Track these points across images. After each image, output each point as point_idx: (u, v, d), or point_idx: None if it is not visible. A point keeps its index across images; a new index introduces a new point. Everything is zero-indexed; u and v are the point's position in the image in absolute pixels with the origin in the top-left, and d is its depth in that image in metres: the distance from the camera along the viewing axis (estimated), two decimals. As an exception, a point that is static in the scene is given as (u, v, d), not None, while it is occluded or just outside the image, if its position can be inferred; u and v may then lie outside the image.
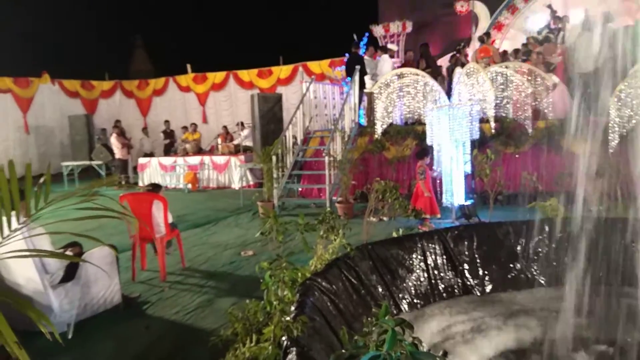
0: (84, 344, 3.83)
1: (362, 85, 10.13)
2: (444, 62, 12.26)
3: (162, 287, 5.06)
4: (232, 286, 5.04)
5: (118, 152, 13.81)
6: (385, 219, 6.22)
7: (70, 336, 3.93)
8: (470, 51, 11.79)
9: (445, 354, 1.27)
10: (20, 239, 2.85)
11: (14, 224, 1.78)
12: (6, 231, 1.78)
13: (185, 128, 14.87)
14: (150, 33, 22.49)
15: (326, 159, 8.55)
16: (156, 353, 3.69)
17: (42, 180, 1.61)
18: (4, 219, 1.64)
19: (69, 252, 4.27)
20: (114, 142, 13.84)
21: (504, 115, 8.18)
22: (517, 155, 8.45)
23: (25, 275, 3.90)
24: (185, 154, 13.51)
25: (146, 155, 14.65)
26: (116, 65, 20.37)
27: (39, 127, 16.86)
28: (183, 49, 19.40)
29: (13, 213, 1.80)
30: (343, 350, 1.30)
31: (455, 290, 3.95)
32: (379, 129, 8.39)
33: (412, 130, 8.93)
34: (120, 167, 13.77)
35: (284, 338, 2.25)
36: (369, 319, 1.38)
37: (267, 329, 2.55)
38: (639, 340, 2.61)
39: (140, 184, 13.29)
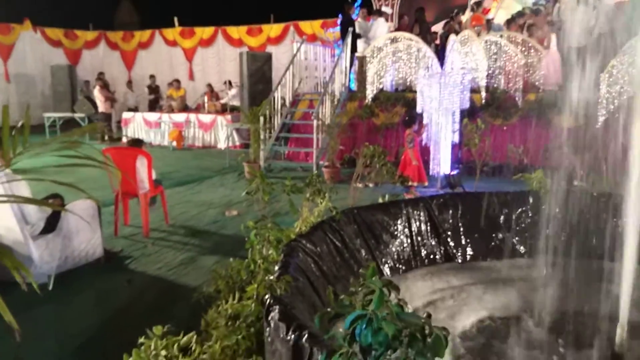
0: (64, 296, 3.83)
1: (354, 48, 9.94)
2: (437, 28, 12.06)
3: (145, 243, 5.05)
4: (215, 245, 5.05)
5: (101, 106, 13.47)
6: (371, 185, 6.22)
7: (50, 287, 3.92)
8: (464, 19, 11.59)
9: (429, 315, 1.27)
10: (-1, 188, 2.77)
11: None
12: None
13: (170, 84, 14.55)
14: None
15: (315, 122, 8.47)
16: (137, 307, 3.70)
17: (20, 124, 1.54)
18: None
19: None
20: (97, 94, 13.49)
21: (495, 85, 8.13)
22: (504, 127, 8.46)
23: (5, 225, 3.84)
24: (171, 110, 13.25)
25: (130, 110, 14.34)
26: (101, 15, 19.59)
27: (19, 76, 16.33)
28: (170, 1, 18.71)
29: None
30: (329, 309, 1.30)
31: (437, 258, 4.00)
32: (369, 94, 8.29)
33: (402, 97, 8.85)
34: (103, 121, 13.45)
35: (267, 296, 2.26)
36: (357, 279, 1.37)
37: (251, 287, 2.56)
38: (613, 313, 2.69)
39: (124, 139, 13.06)
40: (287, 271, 2.56)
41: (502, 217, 4.21)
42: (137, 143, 5.81)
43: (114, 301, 3.77)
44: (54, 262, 4.02)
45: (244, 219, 5.76)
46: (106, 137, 13.04)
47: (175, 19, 17.36)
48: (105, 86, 13.81)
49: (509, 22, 10.14)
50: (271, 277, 2.40)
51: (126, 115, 13.63)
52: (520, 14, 10.53)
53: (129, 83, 16.10)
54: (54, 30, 17.35)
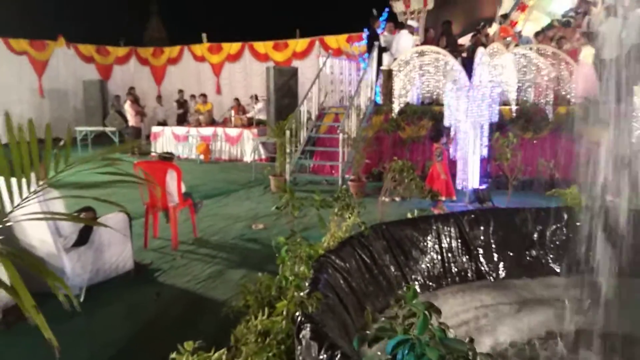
0: (95, 308, 3.87)
1: (379, 62, 9.94)
2: (464, 41, 11.98)
3: (174, 255, 5.08)
4: (242, 258, 5.05)
5: (131, 120, 13.79)
6: (397, 199, 6.16)
7: (82, 300, 3.97)
8: (491, 31, 11.49)
9: (471, 340, 1.22)
10: (35, 202, 2.84)
11: (31, 187, 1.75)
12: (24, 193, 1.76)
13: (193, 96, 14.79)
14: (166, 0, 22.23)
15: (340, 135, 8.46)
16: (166, 320, 3.71)
17: (62, 142, 1.57)
18: (24, 180, 1.60)
19: (82, 217, 4.28)
20: (128, 109, 13.82)
21: (524, 99, 7.99)
22: (535, 141, 8.29)
23: (39, 238, 3.92)
24: (198, 124, 13.47)
25: (159, 124, 14.63)
26: (132, 31, 20.23)
27: (53, 91, 16.87)
28: (199, 18, 19.19)
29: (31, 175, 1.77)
30: (367, 332, 1.26)
31: (469, 275, 3.91)
32: (396, 107, 8.25)
33: (429, 110, 8.78)
34: (134, 135, 13.77)
35: (297, 313, 2.23)
36: (387, 297, 1.33)
37: (281, 303, 2.53)
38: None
39: (153, 152, 13.30)
40: (317, 288, 2.53)
41: (535, 234, 4.10)
42: (168, 157, 5.89)
43: (143, 314, 3.79)
44: (85, 275, 4.08)
45: (271, 233, 5.79)
46: (136, 151, 13.33)
47: (204, 35, 17.72)
48: (135, 101, 14.15)
49: (537, 35, 10.02)
50: (302, 294, 2.37)
51: (155, 129, 13.90)
52: (549, 26, 10.39)
53: (159, 97, 16.46)
54: (86, 47, 17.91)
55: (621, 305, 2.99)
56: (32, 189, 1.76)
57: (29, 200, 1.77)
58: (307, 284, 2.52)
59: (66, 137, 1.53)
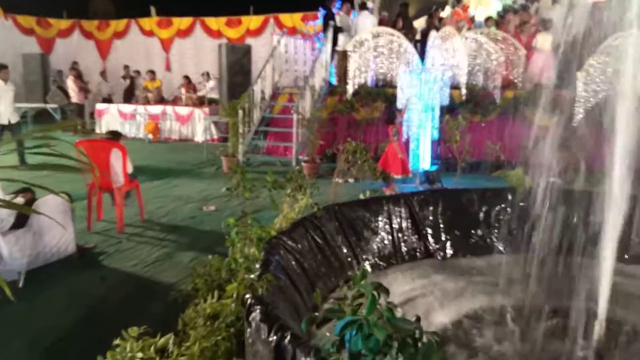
0: (35, 293, 3.69)
1: (335, 42, 9.88)
2: (418, 24, 12.08)
3: (120, 238, 4.91)
4: (192, 241, 4.95)
5: (75, 96, 13.11)
6: (351, 180, 6.19)
7: (21, 285, 3.77)
8: (444, 15, 11.64)
9: (418, 319, 1.23)
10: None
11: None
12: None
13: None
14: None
15: (294, 116, 8.39)
16: (112, 305, 3.60)
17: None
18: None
19: (20, 198, 4.04)
20: (71, 85, 13.11)
21: (474, 83, 8.18)
22: (482, 124, 8.53)
23: (-29, 221, 3.68)
24: (147, 102, 12.98)
25: (105, 100, 13.99)
26: (75, 3, 19.04)
27: (-12, 64, 15.72)
28: (147, -10, 18.26)
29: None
30: (316, 314, 1.25)
31: (418, 254, 4.00)
32: (350, 88, 8.25)
33: (383, 93, 8.83)
34: (77, 112, 13.11)
35: (247, 296, 2.20)
36: (339, 278, 1.32)
37: (230, 285, 2.49)
38: (589, 309, 2.72)
39: (98, 130, 12.74)
40: (268, 269, 2.50)
41: (481, 214, 4.23)
42: (114, 135, 5.64)
43: (87, 299, 3.65)
44: (24, 259, 3.87)
45: (222, 215, 5.69)
46: (79, 130, 12.70)
47: (152, 8, 16.97)
48: (79, 76, 13.45)
49: (487, 20, 10.23)
50: (252, 276, 2.33)
51: (100, 106, 13.30)
52: (508, 10, 10.62)
53: (103, 73, 15.71)
54: (26, 18, 16.77)
55: (555, 281, 3.16)
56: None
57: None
58: (257, 266, 2.48)
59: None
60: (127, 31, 17.60)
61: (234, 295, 2.40)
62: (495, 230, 4.24)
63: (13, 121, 8.05)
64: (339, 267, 3.44)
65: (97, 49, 18.09)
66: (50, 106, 13.44)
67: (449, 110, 7.73)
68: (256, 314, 2.00)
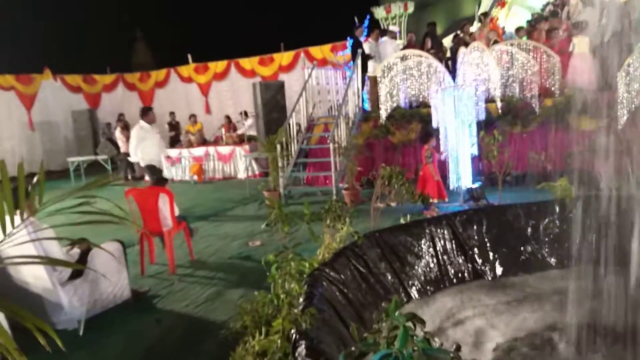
0: (95, 340, 3.84)
1: (364, 69, 10.00)
2: (446, 42, 12.08)
3: (171, 280, 5.06)
4: (240, 277, 5.03)
5: (123, 146, 13.77)
6: (392, 204, 6.16)
7: (81, 332, 3.94)
8: (473, 29, 11.59)
9: (458, 347, 1.22)
10: (27, 238, 2.83)
11: (17, 224, 1.75)
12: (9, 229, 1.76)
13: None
14: (150, 24, 22.34)
15: (331, 145, 8.48)
16: (167, 346, 3.69)
17: (35, 180, 1.58)
18: (3, 220, 1.61)
19: (76, 249, 4.27)
20: (119, 136, 13.81)
21: (510, 94, 8.04)
22: (524, 135, 8.33)
23: (34, 274, 3.90)
24: (190, 145, 13.47)
25: (151, 147, 14.62)
26: (117, 58, 20.29)
27: (43, 124, 16.86)
28: (183, 39, 19.28)
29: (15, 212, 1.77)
30: (353, 348, 1.26)
31: (466, 275, 3.90)
32: (383, 113, 8.29)
33: (417, 113, 8.82)
34: (126, 161, 13.74)
35: (292, 331, 2.22)
36: (379, 314, 1.33)
37: (276, 321, 2.52)
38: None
39: (147, 178, 13.28)
40: (311, 303, 2.52)
41: (529, 229, 4.11)
42: (161, 181, 5.89)
43: (143, 342, 3.77)
44: (83, 307, 4.05)
45: (268, 249, 5.77)
46: (129, 177, 13.32)
47: (189, 55, 17.79)
48: (126, 127, 14.14)
49: (519, 30, 10.10)
50: (295, 311, 2.36)
51: (147, 153, 13.87)
52: (538, 18, 10.46)
53: (148, 122, 16.45)
54: (73, 77, 17.93)
55: (620, 295, 2.99)
56: (13, 229, 1.77)
57: (15, 237, 1.76)
58: (300, 300, 2.51)
59: (39, 175, 1.53)
60: (167, 80, 18.49)
61: (280, 331, 2.43)
62: (546, 245, 4.09)
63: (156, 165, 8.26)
64: (385, 295, 3.41)
65: (141, 99, 19.05)
66: (100, 157, 14.19)
67: (487, 124, 7.61)
68: (302, 349, 2.03)
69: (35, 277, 3.90)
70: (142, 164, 8.03)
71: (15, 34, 18.95)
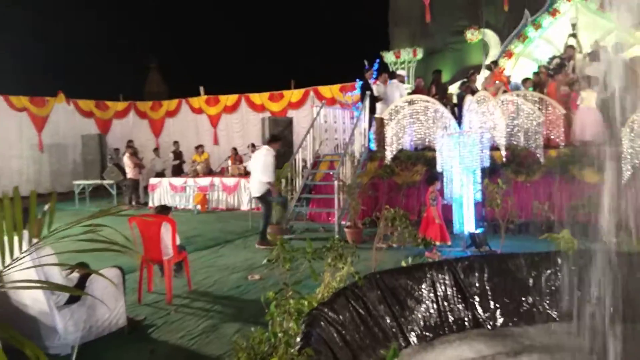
0: (86, 368, 3.79)
1: (372, 110, 10.18)
2: (453, 89, 12.32)
3: (168, 310, 5.02)
4: (237, 311, 4.99)
5: (130, 172, 13.91)
6: (394, 245, 6.15)
7: (73, 359, 3.88)
8: (480, 78, 11.84)
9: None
10: (28, 261, 2.85)
11: (18, 249, 1.78)
12: (14, 255, 1.78)
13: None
14: (164, 55, 22.92)
15: (335, 183, 8.54)
16: (159, 380, 3.63)
17: (46, 207, 1.62)
18: (10, 242, 1.64)
19: (75, 273, 4.27)
20: (127, 161, 13.96)
21: (515, 143, 8.14)
22: (528, 184, 8.37)
23: (32, 296, 3.89)
24: (196, 174, 13.58)
25: (157, 175, 14.75)
26: (131, 86, 20.73)
27: (52, 146, 17.10)
28: (196, 72, 19.76)
29: (17, 237, 1.81)
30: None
31: (466, 323, 3.86)
32: (388, 154, 8.38)
33: (422, 156, 8.91)
34: (132, 187, 13.85)
35: (289, 371, 2.20)
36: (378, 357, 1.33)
37: (272, 360, 2.50)
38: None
39: (151, 204, 13.34)
40: (308, 343, 2.50)
41: (531, 280, 4.08)
42: (164, 210, 5.93)
43: (135, 373, 3.71)
44: (78, 333, 4.01)
45: (267, 283, 5.74)
46: (134, 203, 13.38)
47: (201, 88, 18.18)
48: (134, 153, 14.32)
49: (525, 81, 10.32)
50: (292, 351, 2.34)
51: (153, 180, 14.00)
52: (544, 69, 10.67)
53: (156, 149, 16.68)
54: (86, 102, 18.31)
55: (626, 353, 2.94)
56: (23, 249, 1.80)
57: (18, 262, 1.79)
58: (298, 340, 2.49)
59: (51, 203, 1.58)
60: (178, 110, 18.84)
61: (276, 370, 2.41)
62: (547, 297, 4.06)
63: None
64: (383, 338, 3.37)
65: (151, 127, 19.37)
66: (106, 182, 14.30)
67: (491, 171, 7.67)
68: (297, 391, 2.00)
69: (33, 299, 3.89)
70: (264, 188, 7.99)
71: (31, 56, 19.46)
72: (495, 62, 11.85)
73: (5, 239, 1.77)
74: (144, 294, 5.35)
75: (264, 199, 8.04)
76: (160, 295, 5.41)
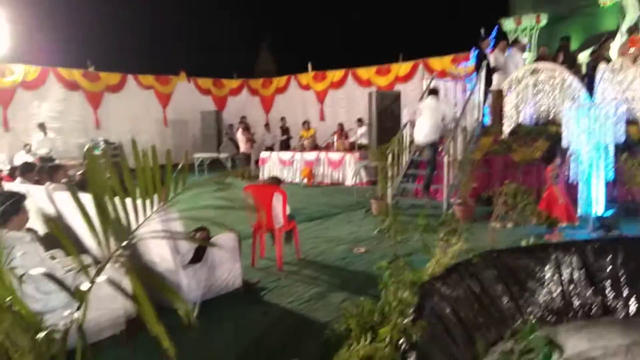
0: (206, 324, 4.06)
1: (488, 82, 9.55)
2: (582, 58, 11.11)
3: (279, 275, 5.23)
4: (343, 281, 5.04)
5: (243, 146, 14.67)
6: (510, 225, 5.77)
7: (195, 315, 4.19)
8: (614, 45, 10.51)
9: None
10: (158, 222, 3.09)
11: (154, 207, 1.91)
12: (148, 213, 1.92)
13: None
14: (275, 34, 23.56)
15: (445, 158, 8.20)
16: (271, 341, 3.79)
17: (180, 167, 1.72)
18: (147, 201, 1.76)
19: (197, 236, 4.59)
20: (240, 136, 14.72)
21: (655, 117, 7.15)
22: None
23: (160, 255, 4.25)
24: (303, 149, 13.91)
25: (267, 149, 15.38)
26: (244, 65, 21.69)
27: (175, 121, 18.55)
28: (305, 48, 19.99)
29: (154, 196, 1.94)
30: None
31: (594, 310, 3.51)
32: (506, 128, 7.82)
33: (545, 131, 8.18)
34: (244, 160, 14.61)
35: (401, 341, 2.15)
36: (504, 330, 1.22)
37: (383, 329, 2.47)
38: None
39: (261, 176, 13.98)
40: (422, 315, 2.43)
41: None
42: (275, 181, 6.13)
43: (250, 333, 3.92)
44: (199, 291, 4.32)
45: (372, 257, 5.72)
46: (246, 175, 14.12)
47: (309, 64, 18.44)
48: (246, 129, 15.04)
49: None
50: (406, 321, 2.29)
51: (263, 154, 14.62)
52: None
53: (267, 125, 17.36)
54: (204, 80, 19.54)
55: None
56: (154, 210, 1.93)
57: (152, 219, 1.93)
58: (411, 311, 2.43)
59: (183, 162, 1.66)
60: (287, 86, 19.37)
61: (387, 339, 2.37)
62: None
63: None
64: (500, 319, 3.18)
65: (262, 104, 20.19)
66: (222, 155, 15.22)
67: (625, 148, 6.83)
68: (411, 361, 1.95)
69: (161, 258, 4.25)
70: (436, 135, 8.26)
71: (158, 37, 21.13)
72: (636, 26, 10.44)
73: (139, 201, 1.92)
74: (257, 260, 5.62)
75: (434, 146, 8.07)
76: (271, 262, 5.64)
